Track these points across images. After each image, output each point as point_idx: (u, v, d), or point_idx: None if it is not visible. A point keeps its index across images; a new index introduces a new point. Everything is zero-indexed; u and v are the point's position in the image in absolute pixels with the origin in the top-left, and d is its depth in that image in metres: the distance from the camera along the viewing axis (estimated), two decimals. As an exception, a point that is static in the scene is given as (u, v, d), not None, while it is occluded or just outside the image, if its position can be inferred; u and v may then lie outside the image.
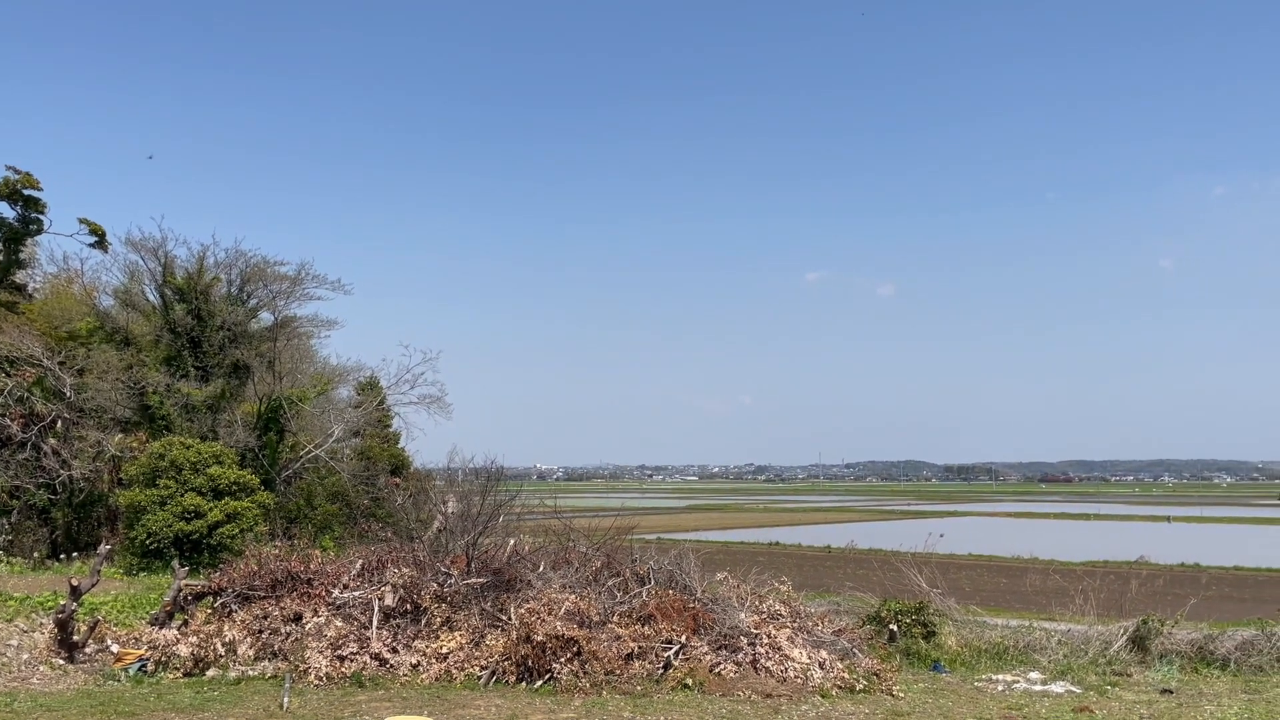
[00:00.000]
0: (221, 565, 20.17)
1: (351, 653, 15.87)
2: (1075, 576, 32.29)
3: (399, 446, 45.48)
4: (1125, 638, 19.78)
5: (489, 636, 16.04)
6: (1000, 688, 16.65)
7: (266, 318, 41.24)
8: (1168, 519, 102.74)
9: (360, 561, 18.71)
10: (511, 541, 19.35)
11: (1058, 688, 16.69)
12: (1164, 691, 16.57)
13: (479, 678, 15.31)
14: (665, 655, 15.63)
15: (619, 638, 15.69)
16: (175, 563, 19.88)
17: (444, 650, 15.85)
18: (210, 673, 15.84)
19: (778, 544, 63.92)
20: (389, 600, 16.95)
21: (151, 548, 29.16)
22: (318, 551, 20.77)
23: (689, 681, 14.98)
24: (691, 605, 17.08)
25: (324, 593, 17.56)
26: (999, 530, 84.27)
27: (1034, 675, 17.69)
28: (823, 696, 14.90)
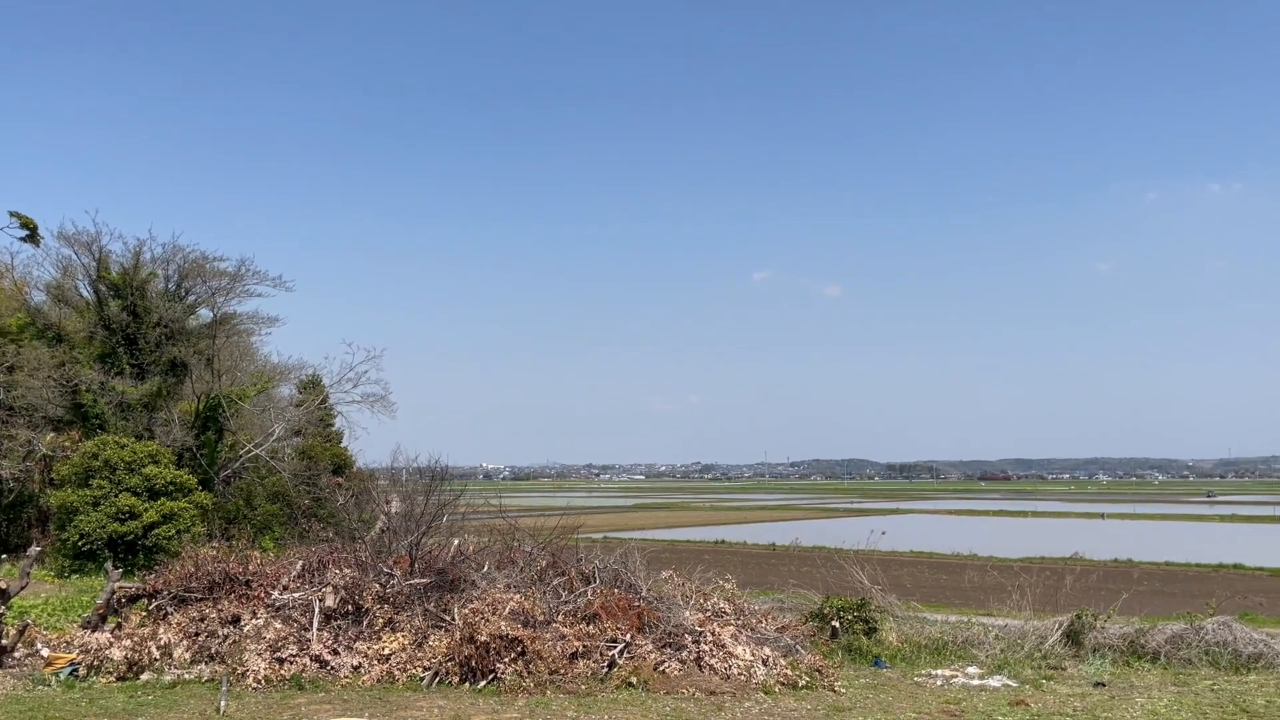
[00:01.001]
0: (157, 567, 19.78)
1: (291, 655, 15.65)
2: (1012, 573, 32.94)
3: (342, 445, 44.97)
4: (1060, 632, 20.23)
5: (432, 637, 15.92)
6: (939, 682, 16.92)
7: (205, 314, 40.52)
8: (1102, 516, 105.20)
9: (301, 562, 18.45)
10: (456, 541, 19.24)
11: (995, 682, 17.01)
12: (1097, 684, 16.98)
13: (422, 679, 15.19)
14: (610, 654, 15.64)
15: (564, 637, 15.67)
16: (109, 565, 19.44)
17: (386, 651, 15.70)
18: (144, 677, 15.51)
19: (723, 542, 64.23)
20: (330, 601, 16.74)
21: (84, 549, 28.46)
22: (257, 552, 20.43)
23: (633, 680, 15.01)
24: (637, 604, 17.11)
25: (263, 594, 17.29)
26: (940, 527, 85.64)
27: (972, 670, 18.01)
28: (766, 693, 15.02)
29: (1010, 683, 17.05)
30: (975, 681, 17.06)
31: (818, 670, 16.34)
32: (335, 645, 15.99)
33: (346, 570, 17.49)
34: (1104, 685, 16.96)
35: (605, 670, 15.36)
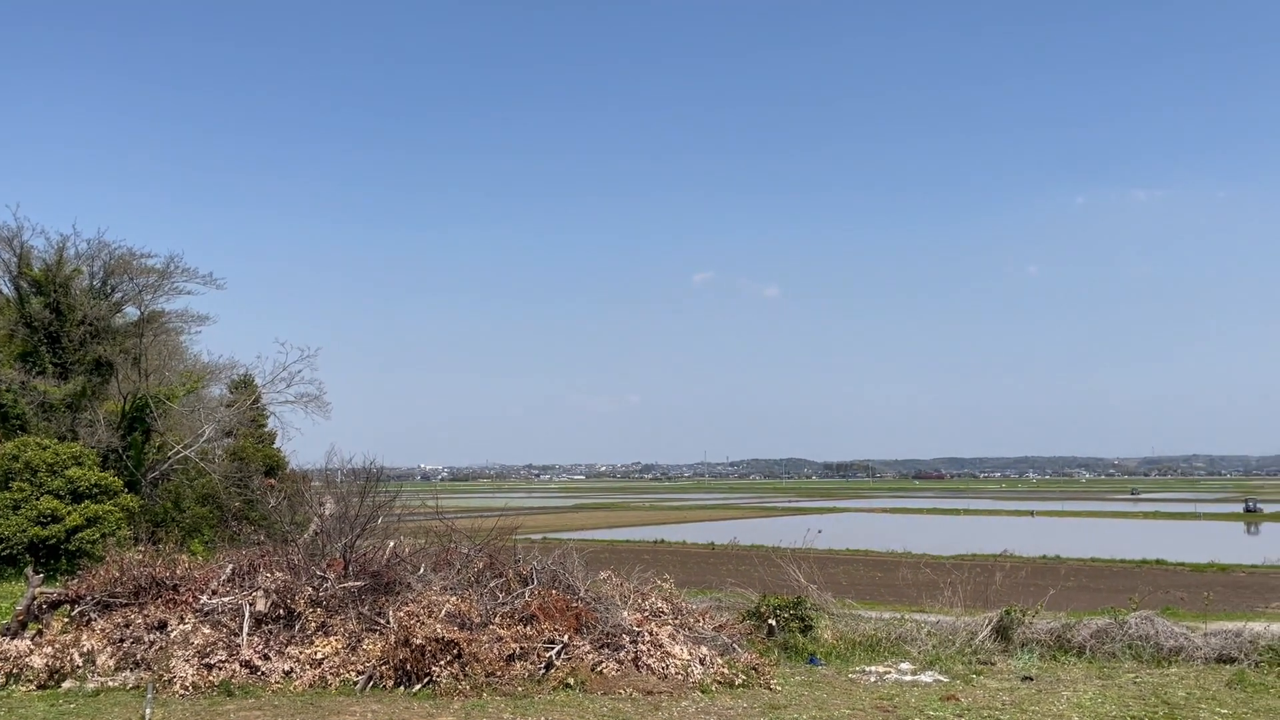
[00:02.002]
0: (80, 572, 19.20)
1: (220, 660, 15.31)
2: (945, 569, 33.53)
3: (274, 446, 44.15)
4: (990, 628, 20.66)
5: (366, 641, 15.70)
6: (873, 679, 17.16)
7: (132, 312, 39.49)
8: (1031, 514, 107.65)
9: (231, 566, 18.06)
10: (391, 543, 19.00)
11: (927, 677, 17.31)
12: (1025, 679, 17.37)
13: (355, 683, 14.97)
14: (547, 655, 15.58)
15: (500, 639, 15.57)
16: (29, 570, 18.83)
17: (319, 656, 15.44)
18: (67, 685, 15.06)
19: (663, 542, 64.44)
20: (261, 605, 16.42)
21: (3, 554, 27.56)
22: (185, 556, 19.97)
23: (571, 681, 14.97)
24: (574, 604, 17.07)
25: (191, 599, 16.90)
26: (875, 525, 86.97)
27: (905, 666, 18.30)
28: (703, 692, 15.09)
29: (942, 678, 17.37)
30: (908, 677, 17.34)
31: (754, 668, 16.46)
32: (266, 650, 15.68)
33: (278, 573, 17.17)
34: (1032, 679, 17.36)
35: (542, 671, 15.29)
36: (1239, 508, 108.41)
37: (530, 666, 15.32)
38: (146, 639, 16.09)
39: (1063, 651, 20.15)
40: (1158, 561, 49.43)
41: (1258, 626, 22.47)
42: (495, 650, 15.29)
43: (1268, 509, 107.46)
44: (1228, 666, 18.93)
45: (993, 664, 18.93)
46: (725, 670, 16.05)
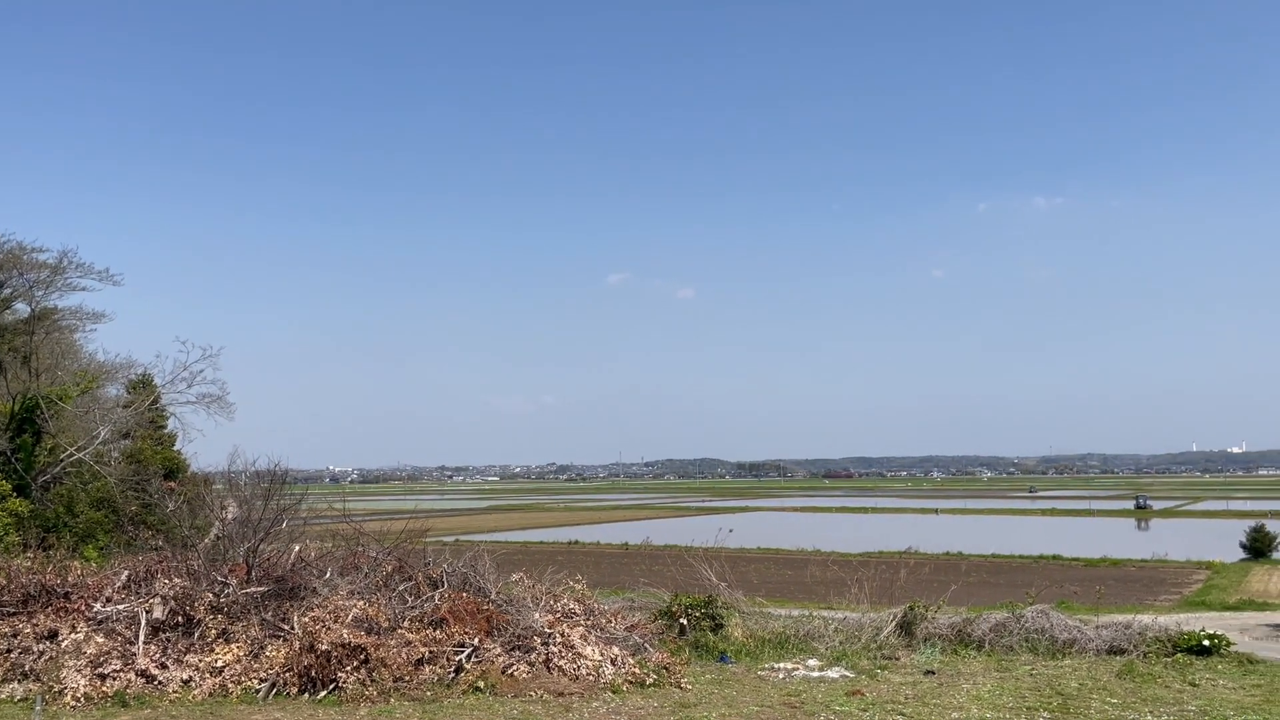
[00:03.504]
0: (-37, 581, 18.28)
1: (115, 670, 14.77)
2: (852, 567, 34.20)
3: (175, 449, 42.72)
4: (894, 623, 21.17)
5: (270, 647, 15.33)
6: (781, 675, 17.43)
7: (22, 309, 37.81)
8: (935, 511, 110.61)
9: (127, 572, 17.45)
10: (297, 547, 18.59)
11: (833, 673, 17.65)
12: (927, 673, 17.84)
13: (258, 691, 14.61)
14: (457, 659, 15.44)
15: (409, 643, 15.37)
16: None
17: (219, 663, 15.02)
18: (-54, 700, 14.34)
19: (577, 543, 64.36)
20: (158, 613, 15.90)
21: (-122, 563, 26.05)
22: (78, 563, 19.24)
23: (481, 684, 14.86)
24: (486, 607, 16.95)
25: (84, 607, 16.26)
26: (786, 524, 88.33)
27: (812, 662, 18.64)
28: (614, 692, 15.13)
29: (848, 673, 17.74)
30: (815, 674, 17.66)
31: (665, 668, 16.57)
32: (164, 659, 15.20)
33: (177, 580, 16.65)
34: (933, 673, 17.85)
35: (452, 675, 15.14)
36: (1130, 504, 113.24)
37: (440, 670, 15.16)
38: (35, 649, 15.44)
39: (964, 645, 20.77)
40: (1054, 557, 51.27)
41: (1146, 619, 23.50)
42: (404, 655, 15.08)
43: (1157, 506, 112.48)
44: (1118, 657, 19.77)
45: (897, 659, 19.41)
46: (637, 670, 16.12)
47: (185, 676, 14.81)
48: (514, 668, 15.51)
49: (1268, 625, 27.10)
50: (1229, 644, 20.28)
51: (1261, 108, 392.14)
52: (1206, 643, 19.99)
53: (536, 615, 17.10)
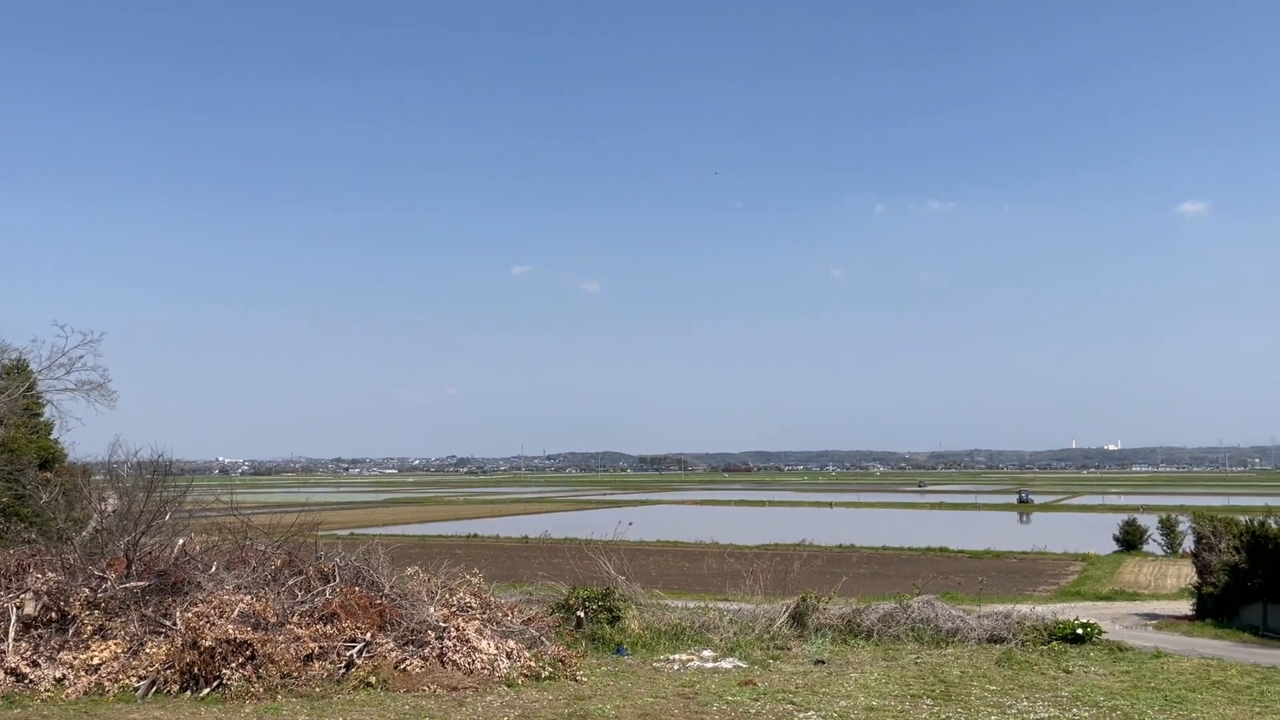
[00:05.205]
0: None
1: (-20, 670, 14.06)
2: (748, 559, 34.79)
3: (51, 438, 40.78)
4: (787, 614, 21.62)
5: (150, 644, 14.80)
6: (676, 667, 17.62)
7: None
8: (830, 505, 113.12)
9: (-5, 567, 16.62)
10: (180, 541, 17.99)
11: (727, 664, 17.93)
12: (817, 662, 18.28)
13: (136, 689, 14.10)
14: (348, 654, 15.16)
15: (298, 639, 15.02)
16: None
17: (95, 661, 14.44)
18: None
19: (476, 536, 63.76)
20: (29, 609, 15.20)
21: None
22: (-59, 557, 18.17)
23: (372, 680, 14.62)
24: (379, 601, 16.68)
25: (-53, 604, 15.43)
26: (686, 517, 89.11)
27: (707, 653, 18.89)
28: (509, 686, 15.07)
29: (741, 664, 18.05)
30: (709, 664, 17.92)
31: (561, 660, 16.57)
32: (35, 656, 14.54)
33: (51, 574, 15.94)
34: (823, 662, 18.30)
35: (343, 671, 14.86)
36: (1014, 499, 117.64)
37: (330, 666, 14.86)
38: (-109, 649, 14.59)
39: (853, 635, 21.34)
40: (941, 549, 53.00)
41: (1024, 608, 24.52)
42: (292, 650, 14.73)
43: (1038, 500, 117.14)
44: (998, 646, 20.60)
45: (789, 649, 19.83)
46: (532, 663, 16.09)
47: (59, 675, 14.21)
48: (407, 662, 15.31)
49: (1137, 614, 28.56)
50: (1101, 632, 21.33)
51: (1139, 117, 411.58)
52: (1080, 631, 20.98)
53: (431, 609, 16.91)
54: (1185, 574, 33.73)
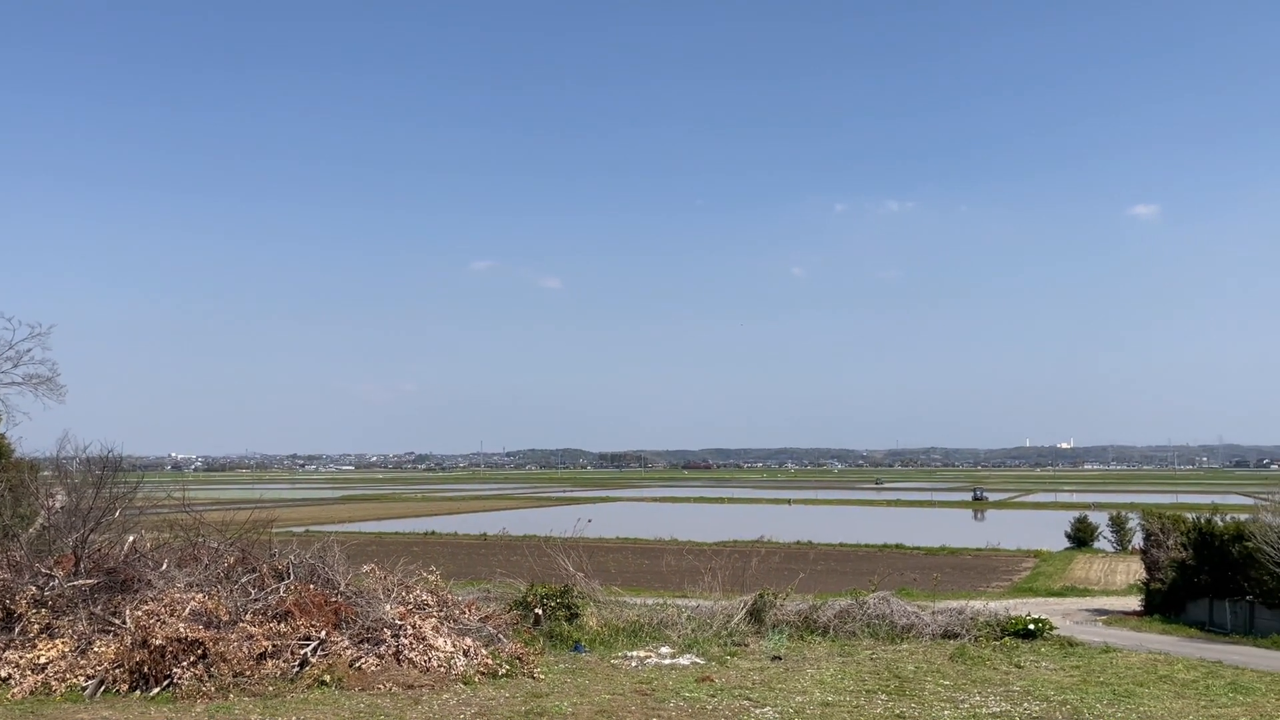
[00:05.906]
0: None
1: (-79, 671, 13.73)
2: (706, 556, 34.92)
3: (-2, 432, 39.91)
4: (744, 611, 21.73)
5: (99, 643, 14.53)
6: (634, 664, 17.64)
7: None
8: (788, 502, 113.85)
9: (-63, 565, 16.22)
10: (131, 538, 17.68)
11: (685, 660, 17.98)
12: (774, 658, 18.39)
13: (84, 688, 13.84)
14: (302, 652, 14.99)
15: (251, 637, 14.83)
16: None
17: (42, 660, 14.16)
18: None
19: (434, 533, 63.37)
20: (-27, 608, 14.85)
21: None
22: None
23: (327, 678, 14.48)
24: (334, 599, 16.52)
25: (-114, 603, 15.04)
26: (645, 514, 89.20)
27: (665, 650, 18.93)
28: (465, 684, 15.00)
29: (699, 660, 18.10)
30: (667, 661, 17.96)
31: (519, 658, 16.53)
32: (-22, 657, 14.20)
33: (-4, 572, 15.59)
34: (780, 659, 18.42)
35: (297, 670, 14.70)
36: (968, 496, 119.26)
37: (284, 665, 14.69)
38: None
39: (810, 631, 21.50)
40: (897, 546, 53.52)
41: (978, 604, 24.88)
42: (245, 649, 14.55)
43: (992, 497, 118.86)
44: (952, 641, 20.87)
45: (746, 645, 19.93)
46: (490, 661, 16.02)
47: (3, 674, 13.95)
48: (362, 660, 15.18)
49: (1088, 610, 29.09)
50: (1052, 628, 21.68)
51: (1094, 121, 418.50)
52: (1031, 627, 21.31)
53: (388, 607, 16.78)
54: (1135, 570, 34.39)
